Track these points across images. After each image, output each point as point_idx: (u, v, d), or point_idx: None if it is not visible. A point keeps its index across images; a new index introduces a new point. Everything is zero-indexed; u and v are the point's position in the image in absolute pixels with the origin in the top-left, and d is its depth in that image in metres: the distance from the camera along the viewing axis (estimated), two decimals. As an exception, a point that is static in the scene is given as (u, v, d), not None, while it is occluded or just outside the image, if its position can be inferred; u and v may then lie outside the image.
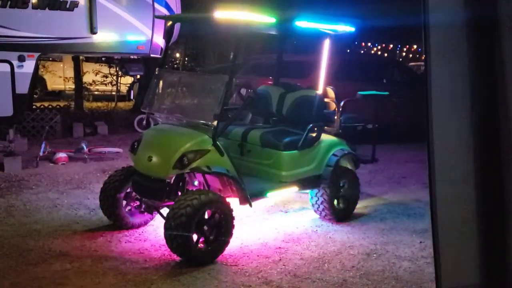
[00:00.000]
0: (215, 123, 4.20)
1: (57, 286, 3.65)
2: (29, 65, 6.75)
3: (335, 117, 5.28)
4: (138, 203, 4.75)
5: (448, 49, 1.39)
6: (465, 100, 1.40)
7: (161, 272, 3.89)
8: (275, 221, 5.15)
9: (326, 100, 5.31)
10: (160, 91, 5.02)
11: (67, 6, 6.93)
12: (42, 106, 9.97)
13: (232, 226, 4.17)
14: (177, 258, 4.08)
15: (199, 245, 4.02)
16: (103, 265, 3.99)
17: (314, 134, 4.96)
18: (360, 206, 5.48)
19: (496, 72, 1.33)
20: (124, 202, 4.70)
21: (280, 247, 4.45)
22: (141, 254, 4.22)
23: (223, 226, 4.12)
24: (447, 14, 1.37)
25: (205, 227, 4.06)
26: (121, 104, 14.06)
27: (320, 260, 4.18)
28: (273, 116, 5.55)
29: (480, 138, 1.40)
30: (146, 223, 4.85)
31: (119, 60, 8.89)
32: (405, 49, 31.22)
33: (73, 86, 13.10)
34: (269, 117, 5.61)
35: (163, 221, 4.05)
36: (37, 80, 12.67)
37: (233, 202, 4.33)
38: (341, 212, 5.16)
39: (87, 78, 13.69)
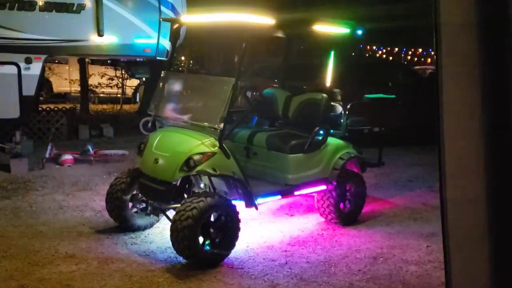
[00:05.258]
0: (221, 125, 4.20)
1: (63, 287, 3.65)
2: (36, 67, 6.78)
3: (341, 120, 5.27)
4: (144, 205, 4.76)
5: (459, 50, 1.38)
6: (476, 101, 1.39)
7: (167, 275, 3.89)
8: (280, 224, 5.13)
9: (332, 103, 5.30)
10: (166, 94, 5.02)
11: (74, 9, 6.96)
12: (48, 108, 10.00)
13: (238, 229, 4.16)
14: (183, 261, 4.08)
15: (205, 247, 4.02)
16: (109, 267, 3.99)
17: (320, 137, 4.95)
18: (366, 210, 5.46)
19: (509, 73, 1.32)
20: (130, 204, 4.71)
21: (286, 250, 4.44)
22: (147, 256, 4.22)
23: (229, 228, 4.11)
24: (459, 15, 1.36)
25: (211, 230, 4.06)
26: (126, 107, 14.10)
27: (326, 264, 4.17)
28: (279, 119, 5.55)
29: (492, 140, 1.38)
30: (152, 225, 4.85)
31: (125, 63, 8.91)
32: (410, 52, 31.17)
33: (79, 89, 13.15)
34: (275, 120, 5.60)
35: (169, 223, 4.05)
36: (43, 82, 12.73)
37: (239, 205, 4.32)
38: (347, 216, 5.13)
39: (92, 81, 13.75)
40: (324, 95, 5.07)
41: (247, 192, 4.33)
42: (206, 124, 4.38)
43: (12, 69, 6.59)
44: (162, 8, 7.71)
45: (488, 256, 1.39)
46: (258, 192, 4.45)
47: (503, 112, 1.32)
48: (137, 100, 15.44)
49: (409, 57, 30.51)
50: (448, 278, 1.44)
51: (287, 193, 4.79)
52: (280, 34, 5.42)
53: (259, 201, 4.43)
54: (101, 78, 13.44)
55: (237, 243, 4.18)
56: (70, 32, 6.98)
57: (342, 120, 5.25)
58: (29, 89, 6.74)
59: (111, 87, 13.66)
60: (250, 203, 4.38)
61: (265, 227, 5.02)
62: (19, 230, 4.76)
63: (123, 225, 4.71)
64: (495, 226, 1.39)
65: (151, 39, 7.65)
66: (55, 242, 4.47)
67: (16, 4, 6.55)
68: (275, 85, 6.17)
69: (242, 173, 4.32)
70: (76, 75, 13.82)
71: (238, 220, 4.16)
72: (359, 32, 5.13)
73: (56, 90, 15.91)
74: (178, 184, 4.40)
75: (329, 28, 4.94)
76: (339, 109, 5.31)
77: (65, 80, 15.26)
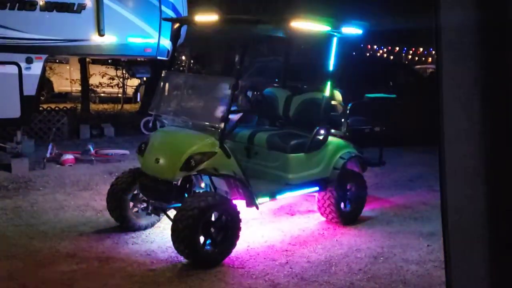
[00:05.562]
0: (221, 125, 4.20)
1: (64, 287, 3.66)
2: (36, 67, 6.78)
3: (342, 120, 5.27)
4: (145, 204, 4.76)
5: (459, 50, 1.38)
6: (476, 101, 1.39)
7: (168, 274, 3.89)
8: (281, 224, 5.14)
9: (333, 102, 5.29)
10: (166, 93, 5.03)
11: (75, 9, 6.96)
12: (49, 108, 10.01)
13: (239, 229, 4.17)
14: (184, 260, 4.08)
15: (205, 247, 4.02)
16: (110, 266, 4.00)
17: (321, 137, 4.94)
18: (367, 209, 5.46)
19: (509, 73, 1.32)
20: (131, 204, 4.71)
21: (286, 250, 4.44)
22: (148, 256, 4.23)
23: (229, 228, 4.11)
24: (459, 16, 1.36)
25: (212, 229, 4.06)
26: (127, 106, 14.12)
27: (327, 263, 4.17)
28: (280, 119, 5.55)
29: (492, 140, 1.39)
30: (153, 225, 4.86)
31: (126, 62, 8.92)
32: (411, 52, 31.13)
33: (79, 88, 13.17)
34: (276, 120, 5.60)
35: (170, 223, 4.06)
36: (44, 82, 12.75)
37: (240, 204, 4.33)
38: (347, 215, 5.14)
39: (93, 80, 13.76)
40: (325, 94, 5.07)
41: (248, 192, 4.34)
42: (207, 123, 4.39)
43: (13, 69, 6.60)
44: (163, 7, 7.71)
45: (488, 256, 1.39)
46: (258, 191, 4.46)
47: (503, 112, 1.33)
48: (138, 99, 15.46)
49: (409, 57, 30.48)
50: (449, 278, 1.45)
51: (287, 192, 4.79)
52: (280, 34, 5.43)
53: (259, 200, 4.44)
54: (102, 77, 13.45)
55: (237, 242, 4.18)
56: (71, 32, 6.98)
57: (342, 120, 5.25)
58: (30, 89, 6.74)
59: (112, 86, 13.68)
60: (250, 202, 4.38)
61: (266, 227, 5.02)
62: (20, 229, 4.77)
63: (124, 224, 4.71)
64: (495, 226, 1.39)
65: (152, 38, 7.66)
66: (56, 241, 4.48)
67: (17, 4, 6.56)
68: (275, 85, 6.17)
69: (243, 173, 4.32)
70: (77, 75, 13.84)
71: (239, 220, 4.16)
72: (359, 31, 5.11)
73: (57, 90, 15.91)
74: (179, 183, 4.41)
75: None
76: (340, 108, 5.31)
77: (66, 79, 15.27)
